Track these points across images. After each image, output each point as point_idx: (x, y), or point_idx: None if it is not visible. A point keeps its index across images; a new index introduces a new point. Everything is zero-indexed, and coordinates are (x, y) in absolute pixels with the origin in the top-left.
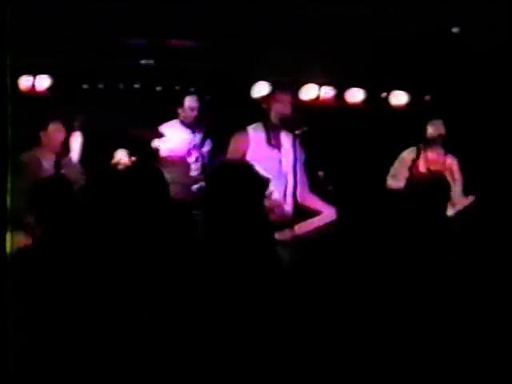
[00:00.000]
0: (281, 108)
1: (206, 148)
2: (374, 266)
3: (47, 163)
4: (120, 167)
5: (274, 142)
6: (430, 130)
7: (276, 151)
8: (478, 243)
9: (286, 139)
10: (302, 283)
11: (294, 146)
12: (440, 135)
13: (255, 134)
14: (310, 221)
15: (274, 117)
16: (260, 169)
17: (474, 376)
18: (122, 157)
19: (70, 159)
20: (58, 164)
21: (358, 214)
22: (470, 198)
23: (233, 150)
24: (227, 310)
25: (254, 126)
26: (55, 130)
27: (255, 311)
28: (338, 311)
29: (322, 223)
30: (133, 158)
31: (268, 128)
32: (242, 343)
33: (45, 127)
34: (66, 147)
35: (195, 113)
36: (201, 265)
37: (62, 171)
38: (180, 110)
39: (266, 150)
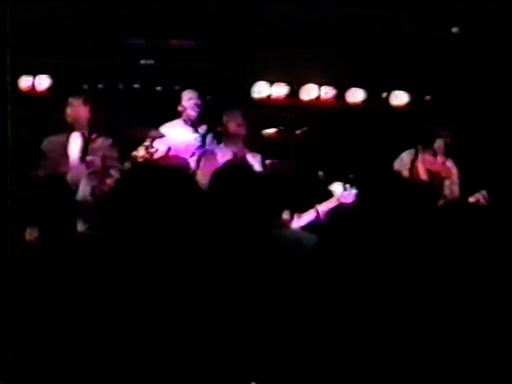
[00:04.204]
0: (235, 128)
1: (207, 148)
2: (373, 265)
3: (75, 146)
4: (140, 160)
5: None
6: (438, 140)
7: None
8: (478, 244)
9: (252, 159)
10: (301, 281)
11: (261, 164)
12: (444, 143)
13: (222, 154)
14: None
15: (232, 138)
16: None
17: (473, 376)
18: (143, 150)
19: (100, 142)
20: (85, 148)
21: (358, 213)
22: (470, 200)
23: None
24: (230, 308)
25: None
26: (77, 106)
27: (256, 310)
28: (337, 310)
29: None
30: (153, 150)
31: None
32: (243, 344)
33: (67, 102)
34: (92, 127)
35: (200, 103)
36: (203, 264)
37: (89, 157)
38: (180, 108)
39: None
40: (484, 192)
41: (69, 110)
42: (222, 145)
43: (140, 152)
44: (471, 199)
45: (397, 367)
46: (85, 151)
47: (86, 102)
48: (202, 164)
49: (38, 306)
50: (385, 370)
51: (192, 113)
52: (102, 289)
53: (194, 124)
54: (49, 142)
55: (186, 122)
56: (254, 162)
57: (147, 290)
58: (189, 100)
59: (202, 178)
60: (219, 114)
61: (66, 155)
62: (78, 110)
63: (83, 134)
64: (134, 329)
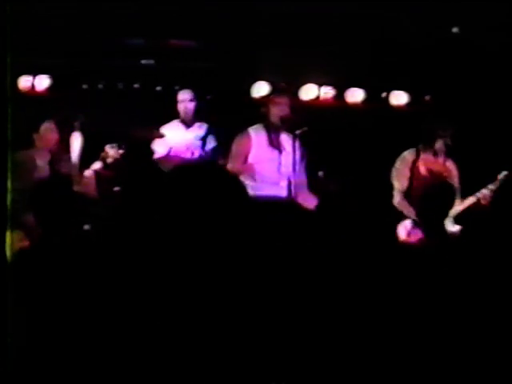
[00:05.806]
0: (279, 110)
1: (207, 147)
2: (373, 264)
3: (42, 162)
4: (109, 160)
5: (274, 143)
6: (438, 140)
7: (277, 152)
8: (478, 246)
9: (286, 140)
10: (294, 282)
11: (294, 146)
12: (444, 143)
13: (256, 135)
14: None
15: (273, 119)
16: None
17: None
18: (110, 150)
19: (66, 159)
20: (53, 163)
21: (358, 212)
22: (469, 201)
23: (235, 152)
24: (223, 312)
25: (254, 127)
26: (47, 130)
27: (247, 314)
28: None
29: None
30: (121, 151)
31: (268, 129)
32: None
33: (37, 129)
34: (61, 146)
35: (192, 105)
36: (194, 266)
37: (58, 170)
38: (178, 108)
39: (267, 151)
40: (486, 190)
41: (39, 137)
42: (256, 126)
43: (109, 152)
44: (472, 198)
45: (382, 368)
46: (53, 167)
47: (55, 127)
48: (235, 146)
49: (36, 306)
50: (366, 371)
51: (187, 113)
52: (96, 289)
53: (192, 124)
54: (20, 156)
55: (183, 122)
56: (288, 142)
57: (143, 293)
58: (182, 101)
59: (236, 159)
60: (217, 115)
61: (34, 168)
62: (47, 135)
63: (51, 152)
64: (134, 326)
